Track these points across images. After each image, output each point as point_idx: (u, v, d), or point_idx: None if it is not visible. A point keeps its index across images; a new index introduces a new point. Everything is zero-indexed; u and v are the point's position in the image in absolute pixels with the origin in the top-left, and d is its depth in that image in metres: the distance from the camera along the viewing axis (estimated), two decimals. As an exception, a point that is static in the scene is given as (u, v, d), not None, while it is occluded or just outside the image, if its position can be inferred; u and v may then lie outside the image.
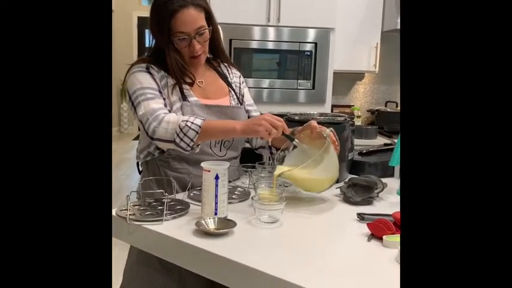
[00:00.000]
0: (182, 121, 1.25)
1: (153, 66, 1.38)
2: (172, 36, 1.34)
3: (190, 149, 1.26)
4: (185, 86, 1.40)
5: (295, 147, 1.34)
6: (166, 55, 1.35)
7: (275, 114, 1.27)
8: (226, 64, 1.57)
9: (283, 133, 1.25)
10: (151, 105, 1.29)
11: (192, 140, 1.24)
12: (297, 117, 1.60)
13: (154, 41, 1.43)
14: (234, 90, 1.53)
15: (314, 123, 1.32)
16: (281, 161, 1.36)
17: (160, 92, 1.35)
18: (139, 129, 1.49)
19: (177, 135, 1.24)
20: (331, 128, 1.32)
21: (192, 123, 1.25)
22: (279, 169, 1.29)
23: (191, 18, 1.33)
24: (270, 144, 1.50)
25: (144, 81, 1.34)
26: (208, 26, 1.38)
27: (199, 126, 1.24)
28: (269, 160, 1.59)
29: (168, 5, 1.31)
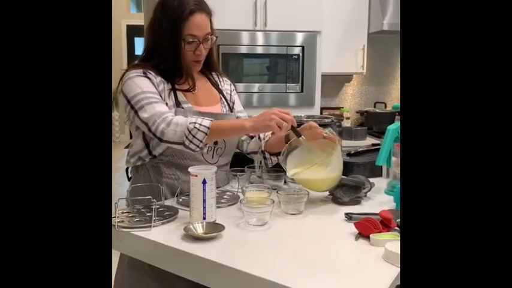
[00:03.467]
0: (190, 123, 1.26)
1: (150, 71, 1.38)
2: (180, 38, 1.35)
3: (199, 149, 1.28)
4: (179, 92, 1.41)
5: (296, 147, 1.34)
6: (173, 54, 1.36)
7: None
8: (216, 72, 1.58)
9: (292, 127, 1.27)
10: (157, 108, 1.30)
11: (201, 141, 1.26)
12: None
13: (147, 46, 1.44)
14: (224, 97, 1.54)
15: (313, 123, 1.35)
16: (285, 160, 1.36)
17: (161, 96, 1.36)
18: (131, 137, 1.48)
19: (186, 137, 1.26)
20: (329, 128, 1.35)
21: (201, 124, 1.26)
22: (291, 170, 1.31)
23: (203, 23, 1.38)
24: (263, 149, 1.51)
25: (144, 86, 1.34)
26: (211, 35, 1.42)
27: (208, 128, 1.26)
28: (260, 164, 1.59)
29: (184, 6, 1.34)
